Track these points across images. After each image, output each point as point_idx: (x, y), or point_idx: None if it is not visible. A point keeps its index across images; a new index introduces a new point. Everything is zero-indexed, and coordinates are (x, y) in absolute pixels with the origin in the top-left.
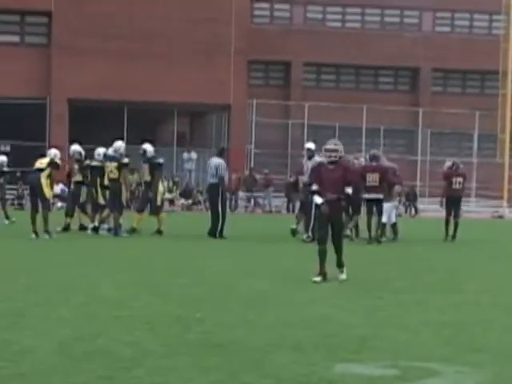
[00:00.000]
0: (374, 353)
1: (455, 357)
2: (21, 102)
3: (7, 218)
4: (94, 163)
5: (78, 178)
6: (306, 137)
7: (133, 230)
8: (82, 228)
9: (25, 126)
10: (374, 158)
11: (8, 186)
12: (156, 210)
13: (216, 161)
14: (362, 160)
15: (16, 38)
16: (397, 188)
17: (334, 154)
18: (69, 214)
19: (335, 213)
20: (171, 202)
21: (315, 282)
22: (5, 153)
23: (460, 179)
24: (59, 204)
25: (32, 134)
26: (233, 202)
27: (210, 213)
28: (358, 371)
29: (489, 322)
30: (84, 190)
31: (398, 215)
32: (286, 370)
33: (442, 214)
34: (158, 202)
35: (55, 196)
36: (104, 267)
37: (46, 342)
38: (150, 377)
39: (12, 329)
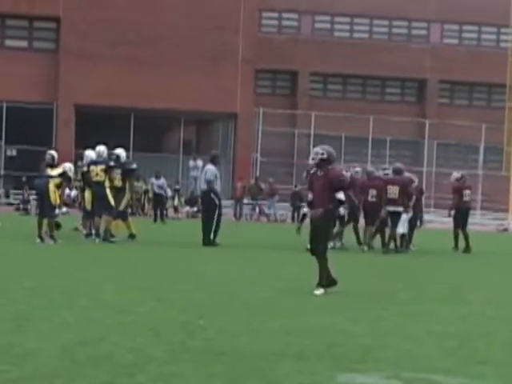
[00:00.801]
0: (378, 363)
1: (459, 368)
2: (28, 107)
3: None
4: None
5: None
6: (311, 146)
7: (132, 236)
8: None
9: (31, 131)
10: (397, 171)
11: (14, 191)
12: (120, 215)
13: (207, 167)
14: (357, 170)
15: (24, 43)
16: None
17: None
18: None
19: (317, 224)
20: (175, 209)
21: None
22: (11, 157)
23: (469, 191)
24: (64, 209)
25: (38, 139)
26: (238, 210)
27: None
28: (361, 381)
29: (493, 334)
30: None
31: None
32: (290, 378)
33: (447, 225)
34: (122, 207)
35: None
36: (107, 272)
37: (48, 346)
38: (152, 383)
39: (15, 332)
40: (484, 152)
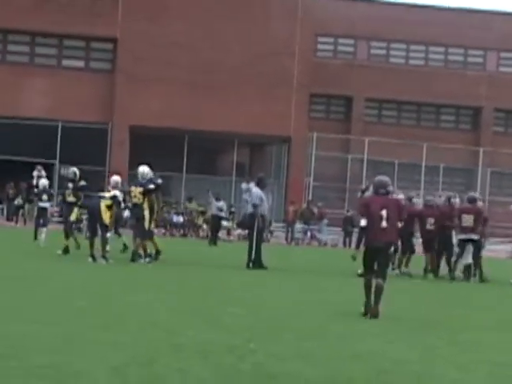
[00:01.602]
0: None
1: None
2: (83, 127)
3: None
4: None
5: (71, 198)
6: (365, 172)
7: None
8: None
9: (86, 151)
10: (472, 200)
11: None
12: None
13: (252, 190)
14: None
15: (81, 64)
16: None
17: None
18: (67, 235)
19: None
20: (228, 231)
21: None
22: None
23: None
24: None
25: (93, 159)
26: (289, 234)
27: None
28: None
29: None
30: (75, 210)
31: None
32: None
33: (500, 254)
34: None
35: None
36: (158, 293)
37: (99, 366)
38: None
39: (65, 351)
40: None
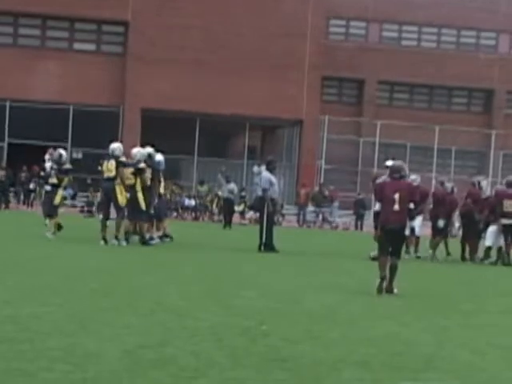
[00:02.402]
0: (441, 373)
1: None
2: (94, 110)
3: None
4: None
5: (54, 180)
6: (376, 154)
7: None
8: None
9: (97, 134)
10: (511, 184)
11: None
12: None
13: (262, 174)
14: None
15: (92, 47)
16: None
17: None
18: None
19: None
20: (241, 214)
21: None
22: (76, 159)
23: None
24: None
25: (104, 142)
26: (301, 217)
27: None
28: None
29: None
30: (59, 193)
31: None
32: None
33: None
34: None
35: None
36: (171, 276)
37: (112, 348)
38: None
39: (79, 333)
40: None
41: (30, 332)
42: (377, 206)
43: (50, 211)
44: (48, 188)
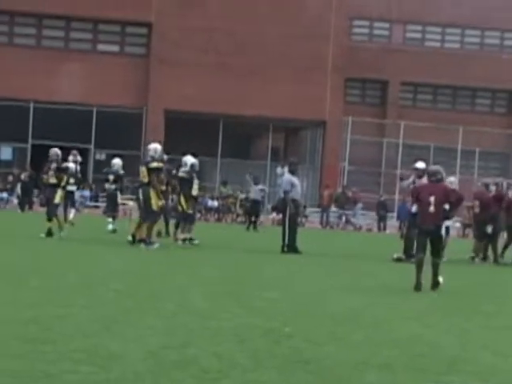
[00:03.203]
0: (464, 376)
1: None
2: (118, 111)
3: None
4: (182, 174)
5: (53, 180)
6: (400, 156)
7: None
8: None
9: (121, 135)
10: None
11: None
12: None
13: (284, 176)
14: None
15: (116, 48)
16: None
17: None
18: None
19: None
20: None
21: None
22: (100, 161)
23: None
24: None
25: (128, 144)
26: (324, 218)
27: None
28: None
29: None
30: (59, 192)
31: None
32: None
33: None
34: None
35: None
36: (194, 277)
37: (135, 349)
38: None
39: (102, 334)
40: None
41: (53, 333)
42: (413, 208)
43: (50, 212)
44: (69, 188)
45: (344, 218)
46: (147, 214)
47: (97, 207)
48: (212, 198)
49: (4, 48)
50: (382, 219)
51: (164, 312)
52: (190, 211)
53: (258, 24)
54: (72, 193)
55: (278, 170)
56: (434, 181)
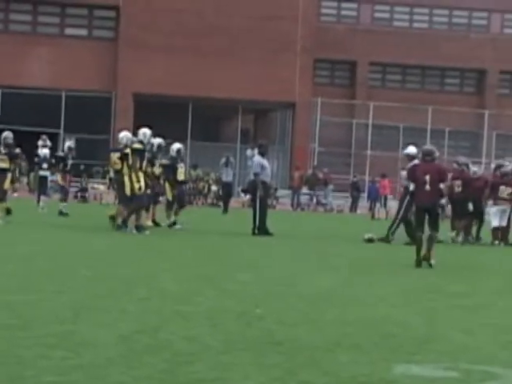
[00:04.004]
0: (434, 354)
1: None
2: (87, 95)
3: None
4: (164, 161)
5: (3, 164)
6: (370, 137)
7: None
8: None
9: (90, 120)
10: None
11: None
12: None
13: (254, 158)
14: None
15: (84, 32)
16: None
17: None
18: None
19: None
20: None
21: None
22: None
23: None
24: None
25: (97, 128)
26: (295, 200)
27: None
28: (418, 372)
29: None
30: (9, 177)
31: None
32: (346, 369)
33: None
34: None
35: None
36: (166, 262)
37: (107, 335)
38: (209, 372)
39: (74, 320)
40: None
41: (26, 319)
42: (411, 187)
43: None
44: (42, 173)
45: (315, 200)
46: (124, 200)
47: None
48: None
49: None
50: (354, 200)
51: (136, 296)
52: (170, 198)
53: (227, 6)
54: (45, 178)
55: (248, 152)
56: (429, 160)
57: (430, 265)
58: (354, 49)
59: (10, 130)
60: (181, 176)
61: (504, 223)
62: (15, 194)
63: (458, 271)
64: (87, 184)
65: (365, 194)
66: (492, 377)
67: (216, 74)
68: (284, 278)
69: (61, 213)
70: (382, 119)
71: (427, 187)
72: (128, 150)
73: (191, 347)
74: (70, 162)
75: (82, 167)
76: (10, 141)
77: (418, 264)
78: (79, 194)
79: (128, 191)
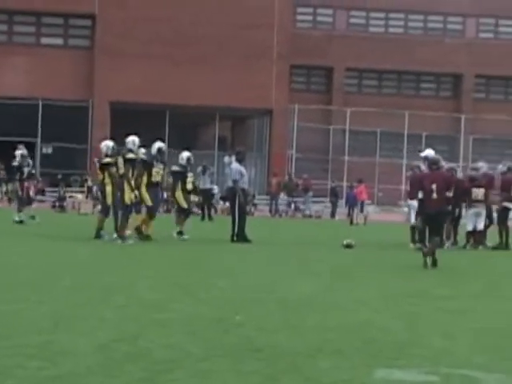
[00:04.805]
0: (415, 359)
1: (495, 364)
2: (64, 104)
3: None
4: (176, 168)
5: None
6: (347, 142)
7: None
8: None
9: (67, 128)
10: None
11: (50, 189)
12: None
13: (232, 165)
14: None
15: (60, 41)
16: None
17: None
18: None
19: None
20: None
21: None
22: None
23: None
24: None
25: (74, 136)
26: (273, 206)
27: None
28: (399, 377)
29: None
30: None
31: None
32: (327, 374)
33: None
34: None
35: None
36: (144, 270)
37: (85, 343)
38: (189, 379)
39: (53, 329)
40: None
41: (4, 328)
42: (420, 195)
43: None
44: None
45: (293, 206)
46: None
47: (42, 201)
48: (161, 189)
49: None
50: (333, 206)
51: (114, 305)
52: (185, 205)
53: (203, 13)
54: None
55: (226, 159)
56: (435, 169)
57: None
58: (330, 55)
59: None
60: (189, 185)
61: (480, 226)
62: None
63: (439, 275)
64: (65, 193)
65: (343, 200)
66: (471, 381)
67: (193, 82)
68: (264, 284)
69: (18, 221)
70: (358, 125)
71: (434, 195)
72: (106, 160)
73: (170, 355)
74: (26, 169)
75: (59, 176)
76: None
77: (425, 266)
78: (57, 204)
79: (109, 201)
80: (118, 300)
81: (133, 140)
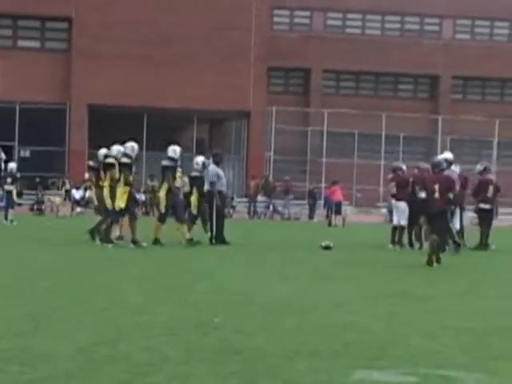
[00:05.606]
0: (394, 360)
1: (474, 364)
2: (41, 107)
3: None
4: (195, 173)
5: None
6: (325, 144)
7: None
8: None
9: (45, 132)
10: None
11: (27, 191)
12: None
13: (209, 168)
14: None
15: (36, 44)
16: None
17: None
18: None
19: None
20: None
21: None
22: (24, 158)
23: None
24: (78, 209)
25: (52, 139)
26: (251, 208)
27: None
28: (377, 378)
29: (509, 329)
30: None
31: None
32: (305, 377)
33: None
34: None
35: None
36: (124, 273)
37: (65, 347)
38: (168, 382)
39: (32, 333)
40: (498, 147)
41: None
42: (422, 195)
43: None
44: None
45: (271, 208)
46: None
47: (20, 205)
48: (139, 192)
49: None
50: (311, 208)
51: (94, 308)
52: (195, 212)
53: (180, 15)
54: (10, 192)
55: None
56: (438, 171)
57: (439, 262)
58: (308, 56)
59: None
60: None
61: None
62: None
63: (419, 275)
64: (43, 196)
65: (321, 202)
66: (450, 381)
67: (170, 84)
68: (242, 286)
69: None
70: (336, 126)
71: (436, 195)
72: (124, 160)
73: (150, 358)
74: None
75: (37, 179)
76: None
77: (429, 263)
78: (35, 207)
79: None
80: (97, 303)
81: (132, 146)
